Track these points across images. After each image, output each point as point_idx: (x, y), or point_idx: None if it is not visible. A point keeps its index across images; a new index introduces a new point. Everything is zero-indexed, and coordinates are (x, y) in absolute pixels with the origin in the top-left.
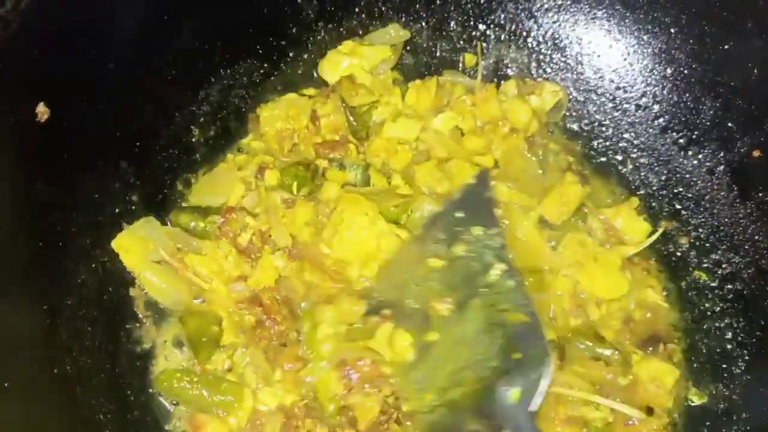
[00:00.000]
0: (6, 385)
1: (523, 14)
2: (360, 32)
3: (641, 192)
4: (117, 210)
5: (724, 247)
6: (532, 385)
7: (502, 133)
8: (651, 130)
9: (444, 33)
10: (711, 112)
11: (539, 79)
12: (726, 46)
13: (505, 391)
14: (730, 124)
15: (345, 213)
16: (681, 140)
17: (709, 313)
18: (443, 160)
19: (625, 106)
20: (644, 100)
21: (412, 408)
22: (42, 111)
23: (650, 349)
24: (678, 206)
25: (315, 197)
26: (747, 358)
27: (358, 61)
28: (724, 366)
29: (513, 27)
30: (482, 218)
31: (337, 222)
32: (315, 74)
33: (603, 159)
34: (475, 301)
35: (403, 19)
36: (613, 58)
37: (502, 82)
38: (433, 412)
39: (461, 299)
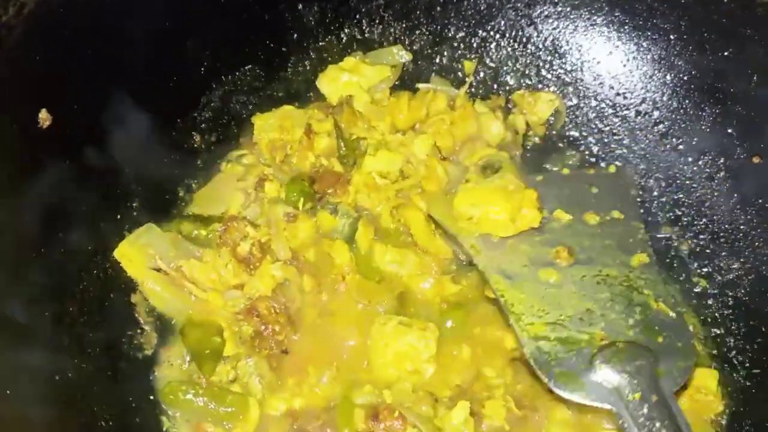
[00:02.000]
0: (8, 392)
1: (523, 21)
2: (360, 38)
3: (640, 197)
4: (118, 216)
5: (725, 253)
6: (675, 375)
7: (477, 149)
8: (651, 137)
9: (444, 40)
10: (711, 118)
11: (538, 88)
12: (725, 53)
13: (651, 363)
14: (729, 131)
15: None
16: (681, 146)
17: (709, 319)
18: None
19: (625, 112)
20: (644, 106)
21: (519, 332)
22: (44, 117)
23: None
24: (678, 212)
25: (316, 213)
26: (748, 364)
27: (357, 78)
28: (725, 373)
29: (513, 33)
30: (624, 206)
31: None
32: (315, 83)
33: (602, 165)
34: (609, 271)
35: (404, 25)
36: (612, 64)
37: (476, 100)
38: (543, 342)
39: (586, 260)
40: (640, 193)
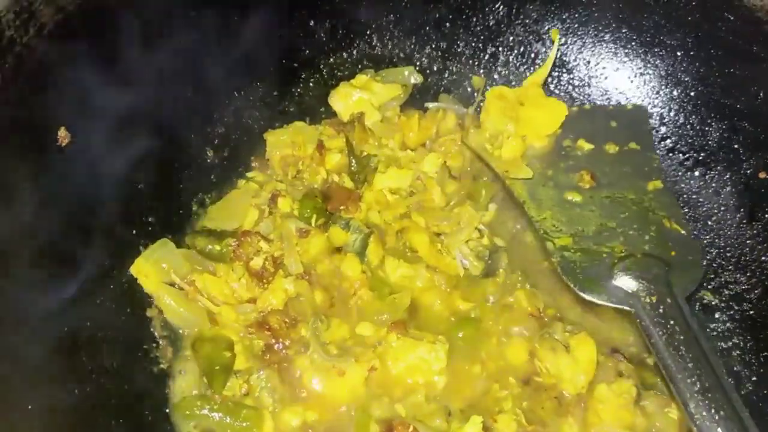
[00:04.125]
0: (29, 407)
1: (531, 37)
2: (371, 54)
3: None
4: (134, 231)
5: (731, 267)
6: (686, 282)
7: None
8: (658, 151)
9: (453, 55)
10: (717, 133)
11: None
12: (732, 69)
13: (665, 272)
14: (736, 146)
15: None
16: (687, 161)
17: (715, 333)
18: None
19: None
20: (651, 121)
21: (547, 243)
22: (63, 136)
23: None
24: None
25: (328, 229)
26: (754, 378)
27: (368, 96)
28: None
29: (521, 49)
30: (640, 139)
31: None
32: (327, 97)
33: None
34: (627, 194)
35: (414, 41)
36: (620, 80)
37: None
38: (568, 252)
39: (606, 183)
40: (650, 128)
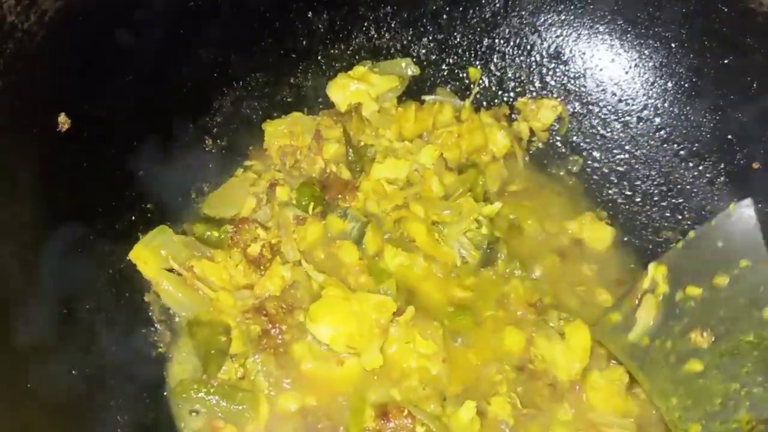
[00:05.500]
0: (29, 386)
1: (527, 29)
2: (368, 45)
3: (642, 202)
4: (133, 218)
5: None
6: None
7: (484, 161)
8: (652, 142)
9: (450, 47)
10: (711, 125)
11: (541, 94)
12: (726, 61)
13: None
14: (729, 137)
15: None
16: (681, 152)
17: None
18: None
19: (627, 118)
20: (645, 112)
21: None
22: (63, 121)
23: None
24: (678, 216)
25: (325, 217)
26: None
27: (365, 87)
28: None
29: (517, 41)
30: (748, 251)
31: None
32: (325, 88)
33: (605, 170)
34: (746, 336)
35: (411, 32)
36: (615, 71)
37: (481, 110)
38: None
39: (724, 332)
40: (759, 226)
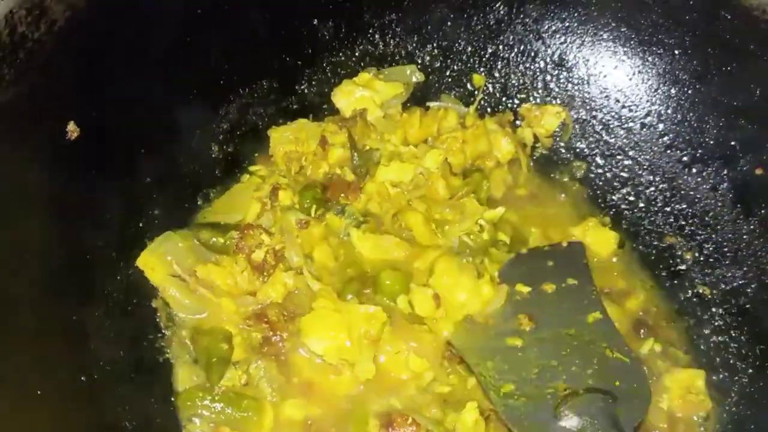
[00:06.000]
0: (39, 393)
1: (531, 36)
2: (373, 52)
3: (645, 208)
4: (141, 224)
5: (728, 262)
6: (633, 412)
7: (489, 167)
8: (655, 149)
9: (454, 54)
10: (714, 131)
11: (545, 101)
12: (729, 68)
13: (610, 405)
14: (733, 143)
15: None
16: (685, 158)
17: (712, 327)
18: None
19: (630, 124)
20: (649, 119)
21: (491, 393)
22: (72, 129)
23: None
24: (682, 222)
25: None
26: (750, 371)
27: (370, 94)
28: (727, 380)
29: (521, 48)
30: (577, 273)
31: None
32: (330, 95)
33: (608, 175)
34: (568, 330)
35: (415, 39)
36: (618, 78)
37: (485, 116)
38: (512, 399)
39: (546, 322)
40: (587, 262)
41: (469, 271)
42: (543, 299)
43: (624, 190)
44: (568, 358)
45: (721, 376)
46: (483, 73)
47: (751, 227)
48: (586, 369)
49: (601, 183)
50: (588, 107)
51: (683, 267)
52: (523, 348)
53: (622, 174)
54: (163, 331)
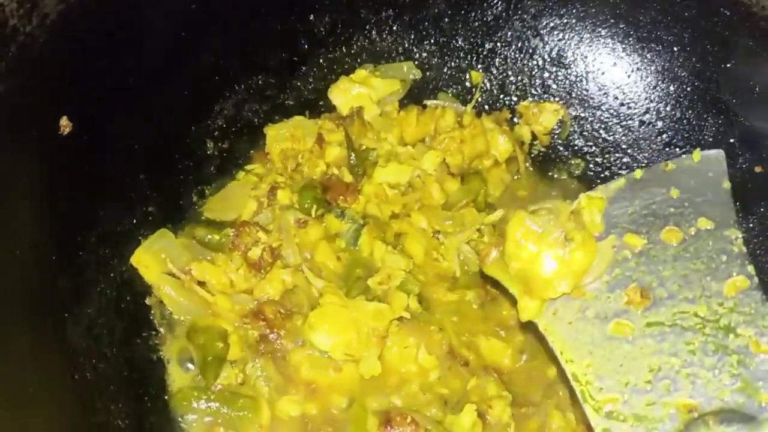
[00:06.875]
0: (30, 391)
1: (529, 32)
2: (370, 48)
3: None
4: (135, 221)
5: None
6: None
7: (487, 166)
8: (654, 146)
9: (452, 50)
10: (713, 128)
11: (543, 98)
12: (728, 65)
13: None
14: (731, 140)
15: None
16: (684, 155)
17: None
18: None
19: (629, 122)
20: (648, 116)
21: (589, 410)
22: (64, 125)
23: None
24: None
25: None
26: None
27: (367, 91)
28: None
29: (519, 44)
30: (713, 212)
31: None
32: (326, 92)
33: (607, 173)
34: (696, 309)
35: (413, 36)
36: (617, 75)
37: (483, 115)
38: (616, 420)
39: (667, 297)
40: (728, 188)
41: (551, 231)
42: (662, 257)
43: None
44: (697, 355)
45: None
46: (481, 70)
47: (750, 225)
48: (722, 375)
49: (599, 181)
50: (586, 104)
51: None
52: (632, 340)
53: (620, 172)
54: (158, 329)
